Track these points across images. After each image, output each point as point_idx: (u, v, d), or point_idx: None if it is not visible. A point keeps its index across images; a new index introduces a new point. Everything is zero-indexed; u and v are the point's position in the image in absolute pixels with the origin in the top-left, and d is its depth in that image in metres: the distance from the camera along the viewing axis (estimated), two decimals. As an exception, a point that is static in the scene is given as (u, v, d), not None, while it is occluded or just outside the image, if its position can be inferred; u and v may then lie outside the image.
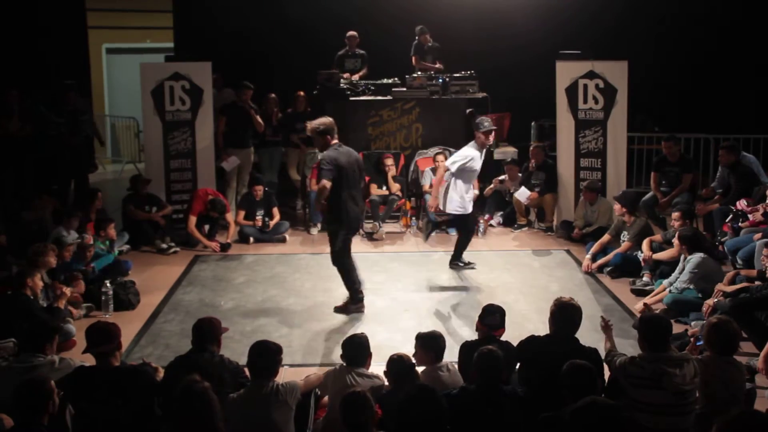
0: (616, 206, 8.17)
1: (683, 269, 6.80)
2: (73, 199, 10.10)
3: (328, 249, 6.94)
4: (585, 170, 9.58)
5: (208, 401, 3.60)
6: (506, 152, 10.64)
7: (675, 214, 7.65)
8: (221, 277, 7.99)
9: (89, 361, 4.48)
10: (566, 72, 9.51)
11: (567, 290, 7.25)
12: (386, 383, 4.49)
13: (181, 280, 7.88)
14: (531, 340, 4.72)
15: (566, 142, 9.65)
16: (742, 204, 7.91)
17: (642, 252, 7.58)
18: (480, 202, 7.85)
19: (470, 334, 5.81)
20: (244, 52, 12.23)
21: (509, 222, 9.86)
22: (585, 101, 9.46)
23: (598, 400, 3.55)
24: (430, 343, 4.71)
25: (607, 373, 4.62)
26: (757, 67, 12.35)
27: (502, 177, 9.98)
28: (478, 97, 10.26)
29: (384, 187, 9.76)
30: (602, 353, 4.67)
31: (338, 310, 6.92)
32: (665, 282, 6.95)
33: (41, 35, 11.84)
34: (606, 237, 8.17)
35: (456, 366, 4.76)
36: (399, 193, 9.72)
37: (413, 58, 11.15)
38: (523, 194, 9.52)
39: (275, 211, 9.39)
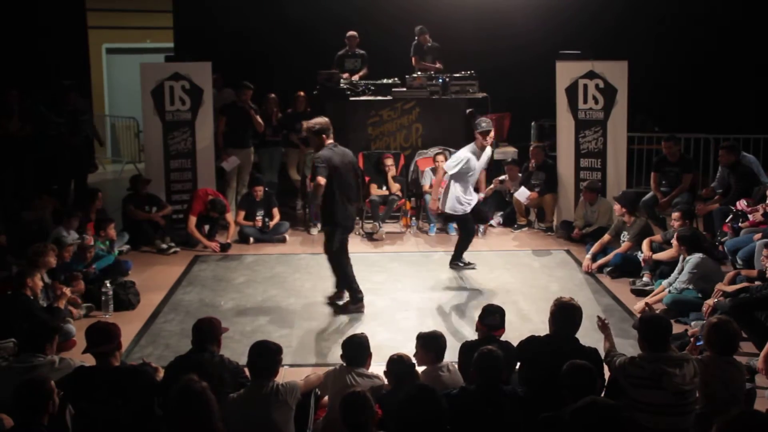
0: (616, 206, 8.17)
1: (682, 269, 6.81)
2: (73, 199, 10.10)
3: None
4: (585, 170, 9.58)
5: (205, 401, 3.59)
6: (506, 152, 10.65)
7: (675, 214, 7.66)
8: (221, 277, 7.99)
9: (89, 361, 4.48)
10: (566, 72, 9.51)
11: (567, 290, 7.25)
12: (386, 383, 4.49)
13: (181, 280, 7.88)
14: (531, 340, 4.73)
15: (566, 142, 9.65)
16: (742, 204, 7.91)
17: (642, 252, 7.58)
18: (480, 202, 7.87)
19: (470, 334, 5.81)
20: (244, 52, 12.23)
21: (509, 222, 9.86)
22: (585, 101, 9.46)
23: (598, 400, 3.55)
24: (430, 343, 4.71)
25: (607, 373, 4.62)
26: (757, 67, 12.35)
27: (502, 177, 9.98)
28: (478, 97, 10.26)
29: (384, 187, 9.76)
30: (602, 353, 4.68)
31: (338, 310, 6.92)
32: (665, 282, 6.95)
33: (41, 35, 11.84)
34: (606, 237, 8.17)
35: (456, 366, 4.76)
36: (399, 193, 9.72)
37: (413, 59, 11.15)
38: (522, 194, 9.52)
39: (275, 211, 9.39)
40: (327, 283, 7.24)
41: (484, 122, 7.70)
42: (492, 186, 9.92)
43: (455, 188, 7.65)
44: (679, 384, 4.16)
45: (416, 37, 11.16)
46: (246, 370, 4.44)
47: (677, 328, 6.01)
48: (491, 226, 9.74)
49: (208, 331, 4.61)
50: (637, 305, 6.87)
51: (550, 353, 4.43)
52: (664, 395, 4.15)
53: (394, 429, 3.75)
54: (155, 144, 9.41)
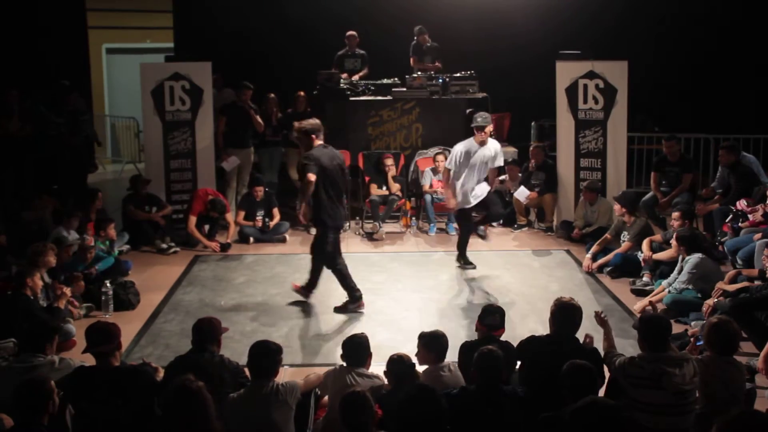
0: (616, 206, 8.17)
1: (682, 269, 6.81)
2: (73, 199, 10.10)
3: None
4: (585, 170, 9.58)
5: (202, 400, 3.59)
6: (506, 152, 10.62)
7: (675, 214, 7.66)
8: (221, 277, 7.99)
9: (89, 361, 4.48)
10: (566, 72, 9.51)
11: (567, 290, 7.25)
12: (386, 383, 4.49)
13: (181, 280, 7.88)
14: (531, 340, 4.73)
15: (566, 142, 9.65)
16: (742, 204, 7.91)
17: (642, 252, 7.58)
18: (480, 202, 7.85)
19: (470, 334, 5.81)
20: (244, 52, 12.24)
21: (509, 222, 9.86)
22: (585, 101, 9.45)
23: (598, 400, 3.56)
24: (432, 343, 4.71)
25: (607, 374, 4.62)
26: (757, 67, 12.36)
27: (502, 177, 9.97)
28: (478, 97, 10.26)
29: (384, 187, 9.76)
30: (601, 352, 4.67)
31: (338, 310, 6.92)
32: (664, 282, 6.95)
33: (41, 35, 11.85)
34: (606, 237, 8.17)
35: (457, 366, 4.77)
36: (399, 193, 9.72)
37: (411, 59, 11.15)
38: (522, 194, 9.52)
39: (275, 211, 9.39)
40: (327, 283, 7.24)
41: (480, 117, 7.70)
42: (493, 185, 9.92)
43: (461, 182, 7.66)
44: (679, 384, 4.16)
45: (415, 37, 11.16)
46: (246, 370, 4.44)
47: (677, 328, 6.01)
48: (491, 225, 9.73)
49: (208, 331, 4.61)
50: (638, 305, 6.87)
51: (550, 353, 4.43)
52: (664, 395, 4.15)
53: (394, 429, 3.75)
54: (155, 144, 9.41)
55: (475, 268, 8.04)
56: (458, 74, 10.39)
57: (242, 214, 9.30)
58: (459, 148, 7.73)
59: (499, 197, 10.08)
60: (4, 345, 5.31)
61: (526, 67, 11.54)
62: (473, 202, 7.77)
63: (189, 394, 3.59)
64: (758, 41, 12.28)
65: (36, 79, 11.40)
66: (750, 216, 7.69)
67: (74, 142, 10.61)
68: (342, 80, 10.57)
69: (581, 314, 4.68)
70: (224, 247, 8.84)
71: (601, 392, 4.34)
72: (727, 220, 7.97)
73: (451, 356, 4.82)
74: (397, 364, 4.43)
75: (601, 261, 7.97)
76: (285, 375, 5.09)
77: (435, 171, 9.67)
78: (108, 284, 6.89)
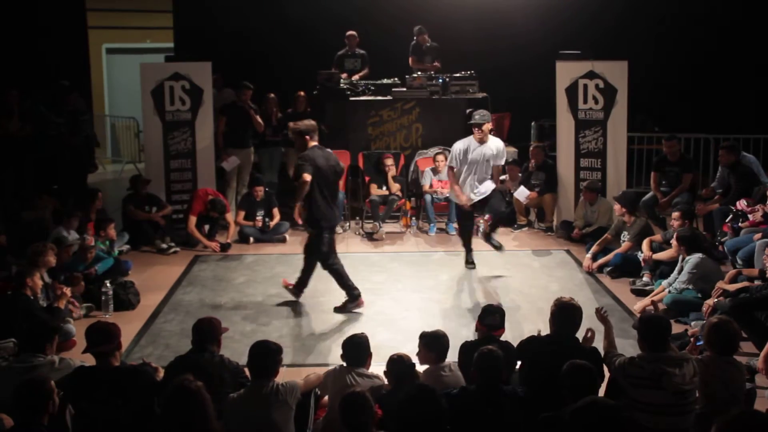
0: (616, 206, 8.17)
1: (682, 269, 6.81)
2: (73, 199, 10.10)
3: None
4: (585, 170, 9.58)
5: (200, 400, 3.59)
6: (507, 152, 10.61)
7: (675, 214, 7.66)
8: (221, 277, 7.99)
9: (89, 361, 4.48)
10: (566, 72, 9.51)
11: (567, 290, 7.25)
12: (386, 383, 4.49)
13: (181, 280, 7.88)
14: (531, 340, 4.73)
15: (566, 142, 9.65)
16: (742, 204, 7.91)
17: (642, 252, 7.58)
18: (480, 202, 7.83)
19: (470, 334, 5.80)
20: (244, 52, 12.23)
21: (509, 222, 9.85)
22: (585, 101, 9.45)
23: (598, 400, 3.56)
24: (433, 343, 4.71)
25: (607, 374, 4.62)
26: (757, 67, 12.36)
27: (502, 177, 9.96)
28: (478, 97, 10.26)
29: (384, 187, 9.76)
30: (601, 351, 4.67)
31: (338, 309, 6.92)
32: (664, 282, 6.95)
33: (41, 35, 11.85)
34: (606, 237, 8.17)
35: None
36: (399, 193, 9.72)
37: (410, 59, 11.15)
38: (522, 193, 9.51)
39: (275, 211, 9.39)
40: (327, 283, 7.24)
41: (477, 114, 7.70)
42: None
43: (461, 180, 7.70)
44: (679, 384, 4.16)
45: (415, 37, 11.16)
46: (246, 370, 4.44)
47: (677, 328, 6.01)
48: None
49: (208, 331, 4.61)
50: (638, 305, 6.87)
51: (550, 353, 4.43)
52: (663, 395, 4.15)
53: (394, 429, 3.75)
54: (155, 144, 9.41)
55: (475, 267, 8.04)
56: (458, 74, 10.39)
57: (242, 214, 9.30)
58: (458, 146, 7.76)
59: (500, 197, 10.10)
60: (4, 345, 5.31)
61: (526, 67, 11.54)
62: (475, 198, 7.75)
63: (187, 394, 3.59)
64: (758, 41, 12.28)
65: (36, 79, 11.40)
66: (750, 216, 7.69)
67: (74, 142, 10.61)
68: (342, 80, 10.57)
69: (581, 314, 4.68)
70: (224, 247, 8.84)
71: (601, 392, 4.34)
72: (727, 220, 7.97)
73: (452, 356, 4.83)
74: (397, 364, 4.43)
75: (601, 261, 7.97)
76: (285, 375, 5.09)
77: (435, 171, 9.67)
78: (108, 284, 6.89)
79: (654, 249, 7.58)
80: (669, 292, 6.77)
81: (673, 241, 7.11)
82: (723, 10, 12.22)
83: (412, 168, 10.11)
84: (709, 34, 12.35)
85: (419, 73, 10.59)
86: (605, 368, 4.59)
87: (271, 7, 12.39)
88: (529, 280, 7.82)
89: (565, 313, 4.64)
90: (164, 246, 8.79)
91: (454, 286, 7.68)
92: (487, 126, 7.67)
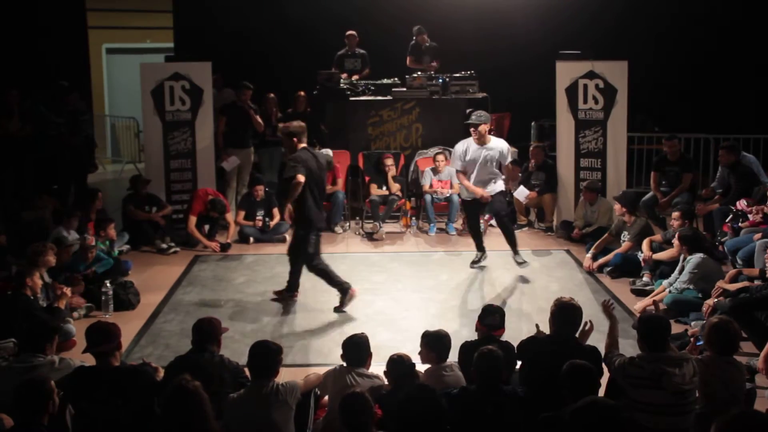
0: (616, 206, 8.17)
1: (683, 269, 6.80)
2: (73, 199, 10.10)
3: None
4: (585, 170, 9.58)
5: (199, 400, 3.59)
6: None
7: (675, 214, 7.66)
8: (221, 277, 7.99)
9: (89, 361, 4.48)
10: (566, 72, 9.51)
11: (567, 290, 7.25)
12: (386, 383, 4.49)
13: (181, 280, 7.88)
14: (531, 340, 4.73)
15: (566, 142, 9.64)
16: (742, 204, 7.91)
17: (642, 252, 7.58)
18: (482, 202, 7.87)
19: (470, 334, 5.79)
20: (244, 52, 12.24)
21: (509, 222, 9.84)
22: (585, 101, 9.45)
23: (598, 400, 3.56)
24: (434, 342, 4.71)
25: (607, 374, 4.62)
26: (757, 67, 12.36)
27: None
28: (478, 97, 10.26)
29: (384, 187, 9.76)
30: (602, 351, 4.67)
31: (338, 309, 6.92)
32: (665, 282, 6.95)
33: (41, 35, 11.84)
34: (606, 237, 8.16)
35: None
36: (399, 193, 9.72)
37: (408, 59, 11.14)
38: (521, 193, 9.52)
39: (275, 211, 9.38)
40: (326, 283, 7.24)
41: (474, 115, 7.70)
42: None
43: (471, 178, 7.70)
44: (679, 384, 4.15)
45: (414, 37, 11.16)
46: (246, 370, 4.44)
47: (677, 328, 6.01)
48: (491, 225, 9.72)
49: (208, 331, 4.61)
50: (639, 305, 6.87)
51: (550, 353, 4.43)
52: (663, 395, 4.15)
53: (394, 429, 3.75)
54: (155, 144, 9.41)
55: (474, 267, 8.04)
56: (458, 74, 10.39)
57: (242, 214, 9.30)
58: (458, 147, 7.80)
59: (502, 197, 10.09)
60: (4, 345, 5.31)
61: (526, 67, 11.54)
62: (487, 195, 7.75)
63: (185, 394, 3.59)
64: (758, 41, 12.28)
65: (36, 79, 11.39)
66: (750, 216, 7.69)
67: (74, 142, 10.60)
68: (342, 80, 10.58)
69: (581, 314, 4.68)
70: (224, 247, 8.84)
71: (601, 392, 4.34)
72: (727, 220, 7.98)
73: (452, 356, 4.83)
74: (397, 364, 4.43)
75: (601, 261, 7.97)
76: (285, 375, 5.09)
77: (435, 171, 9.67)
78: (108, 284, 6.89)
79: (654, 249, 7.58)
80: (669, 292, 6.77)
81: (675, 241, 7.10)
82: (723, 10, 12.22)
83: (412, 168, 10.11)
84: (709, 34, 12.35)
85: (419, 73, 10.58)
86: (605, 367, 4.59)
87: (271, 7, 12.39)
88: (529, 280, 7.82)
89: (565, 313, 4.64)
90: (164, 246, 8.79)
91: (454, 286, 7.68)
92: (484, 127, 7.65)
